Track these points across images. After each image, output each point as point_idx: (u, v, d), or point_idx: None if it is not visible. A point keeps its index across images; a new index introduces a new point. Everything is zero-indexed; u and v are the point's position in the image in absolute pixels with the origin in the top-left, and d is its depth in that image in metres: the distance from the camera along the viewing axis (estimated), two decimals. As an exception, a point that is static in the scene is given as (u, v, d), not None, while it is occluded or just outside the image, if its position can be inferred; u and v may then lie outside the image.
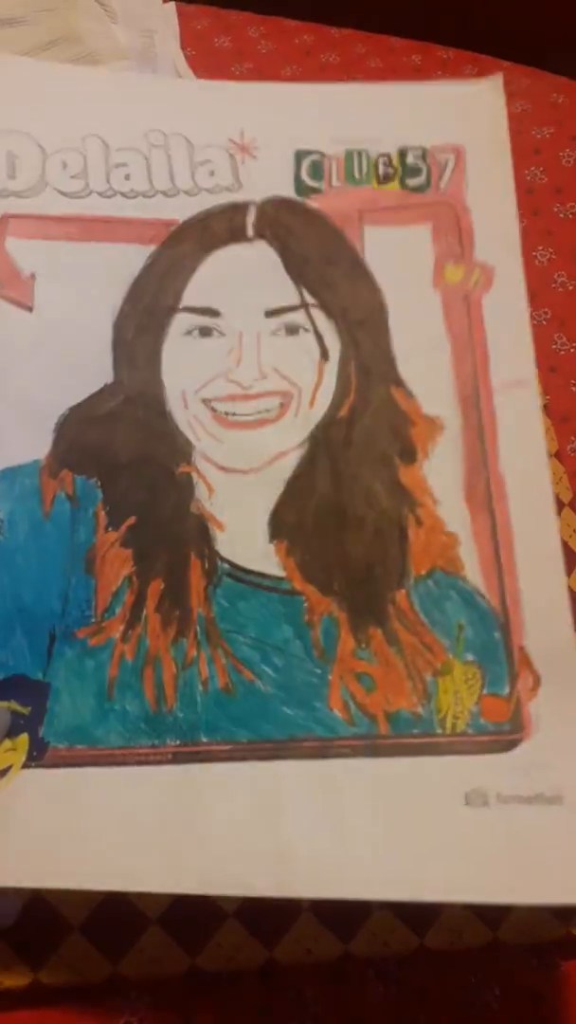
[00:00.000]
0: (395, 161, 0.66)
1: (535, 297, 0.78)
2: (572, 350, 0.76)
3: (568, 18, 1.02)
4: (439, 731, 0.49)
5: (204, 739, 0.50)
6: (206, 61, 0.92)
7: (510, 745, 0.49)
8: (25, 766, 0.50)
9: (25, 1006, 0.51)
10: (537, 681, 0.50)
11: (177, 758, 0.50)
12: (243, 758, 0.50)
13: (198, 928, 0.51)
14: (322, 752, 0.49)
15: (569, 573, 0.57)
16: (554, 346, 0.76)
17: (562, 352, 0.76)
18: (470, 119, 0.68)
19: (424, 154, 0.66)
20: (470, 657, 0.51)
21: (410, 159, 0.66)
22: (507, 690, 0.50)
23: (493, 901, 0.47)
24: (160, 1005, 0.51)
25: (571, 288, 0.80)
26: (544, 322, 0.77)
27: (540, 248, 0.81)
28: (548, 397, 0.72)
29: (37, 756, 0.51)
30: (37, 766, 0.50)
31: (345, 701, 0.51)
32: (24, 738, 0.51)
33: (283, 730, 0.50)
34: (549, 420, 0.69)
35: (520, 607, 0.52)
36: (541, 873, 0.46)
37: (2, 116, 0.65)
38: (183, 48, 0.91)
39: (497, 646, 0.51)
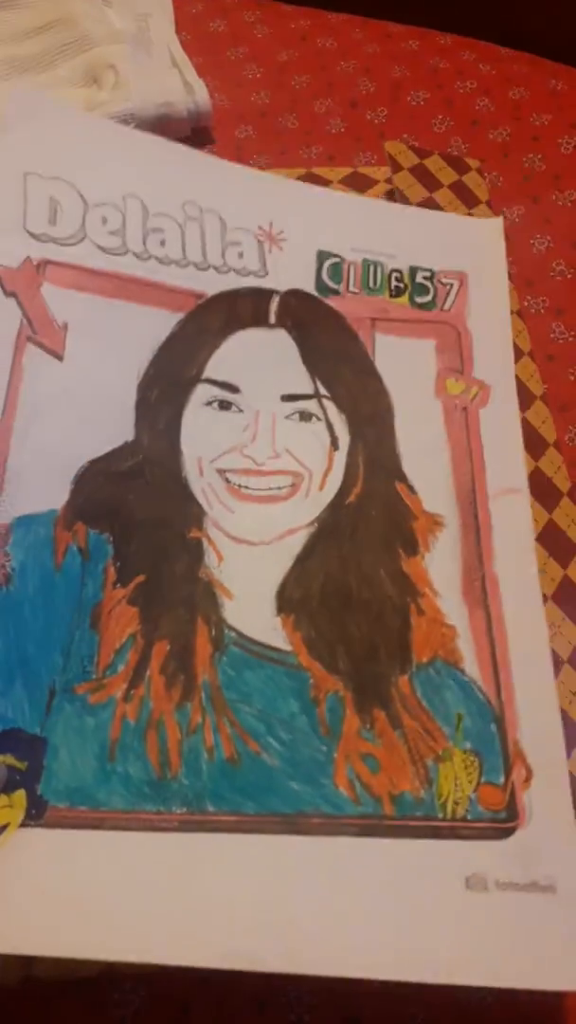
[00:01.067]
0: (406, 278, 0.71)
1: (533, 285, 0.78)
2: (570, 338, 0.75)
3: (567, 4, 0.98)
4: (440, 815, 0.51)
5: (211, 808, 0.50)
6: (201, 45, 0.92)
7: (506, 833, 0.50)
8: (24, 825, 0.48)
9: (18, 1001, 0.49)
10: (529, 773, 0.52)
11: (183, 826, 0.49)
12: (251, 831, 0.50)
13: (176, 965, 0.49)
14: (329, 829, 0.50)
15: (567, 563, 0.62)
16: (552, 335, 0.75)
17: (560, 341, 0.75)
18: (473, 251, 0.73)
19: (432, 276, 0.71)
20: (469, 746, 0.53)
21: (419, 278, 0.71)
22: (503, 780, 0.52)
23: (493, 985, 0.47)
24: (156, 999, 0.49)
25: (569, 276, 0.79)
26: (542, 311, 0.77)
27: (538, 236, 0.81)
28: (546, 386, 0.71)
29: (36, 815, 0.49)
30: (36, 825, 0.49)
31: (351, 780, 0.51)
32: (21, 794, 0.49)
33: (291, 805, 0.50)
34: (548, 409, 0.69)
35: (514, 702, 0.54)
36: (538, 961, 0.47)
37: (49, 163, 0.65)
38: (178, 32, 0.89)
39: (493, 737, 0.53)
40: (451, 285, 0.71)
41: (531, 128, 0.88)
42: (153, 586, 0.56)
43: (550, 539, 0.63)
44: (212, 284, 0.66)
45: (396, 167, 0.79)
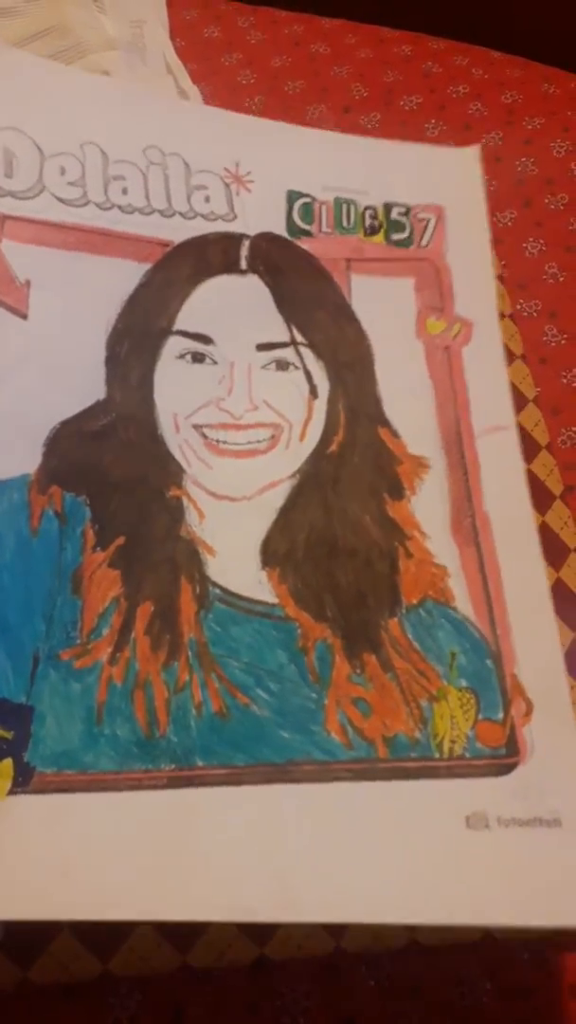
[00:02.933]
0: (380, 215, 0.67)
1: (525, 288, 0.75)
2: (563, 342, 0.73)
3: (561, 8, 0.98)
4: (437, 755, 0.48)
5: (200, 763, 0.48)
6: (196, 51, 0.90)
7: (507, 769, 0.48)
8: (11, 792, 0.46)
9: (14, 1005, 0.48)
10: (530, 707, 0.50)
11: (172, 782, 0.47)
12: (240, 782, 0.47)
13: (188, 925, 0.48)
14: (322, 776, 0.48)
15: (560, 565, 0.59)
16: (544, 338, 0.73)
17: (553, 344, 0.73)
18: (450, 183, 0.70)
19: (407, 211, 0.68)
20: (464, 683, 0.51)
21: (394, 215, 0.68)
22: (501, 715, 0.50)
23: (496, 923, 0.46)
24: (150, 1002, 0.48)
25: (562, 279, 0.76)
26: (535, 314, 0.74)
27: (531, 239, 0.78)
28: (539, 389, 0.69)
29: (23, 782, 0.47)
30: (23, 792, 0.46)
31: (343, 725, 0.49)
32: (8, 764, 0.47)
33: (281, 754, 0.48)
34: (540, 412, 0.67)
35: (510, 637, 0.52)
36: (543, 896, 0.45)
37: (1, 112, 0.61)
38: (172, 38, 0.88)
39: (490, 673, 0.51)
40: (428, 220, 0.67)
41: (524, 132, 0.86)
42: (134, 547, 0.53)
43: (543, 542, 0.58)
44: (179, 231, 0.62)
45: None
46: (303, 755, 0.48)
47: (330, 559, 0.54)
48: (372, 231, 0.66)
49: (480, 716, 0.49)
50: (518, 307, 0.74)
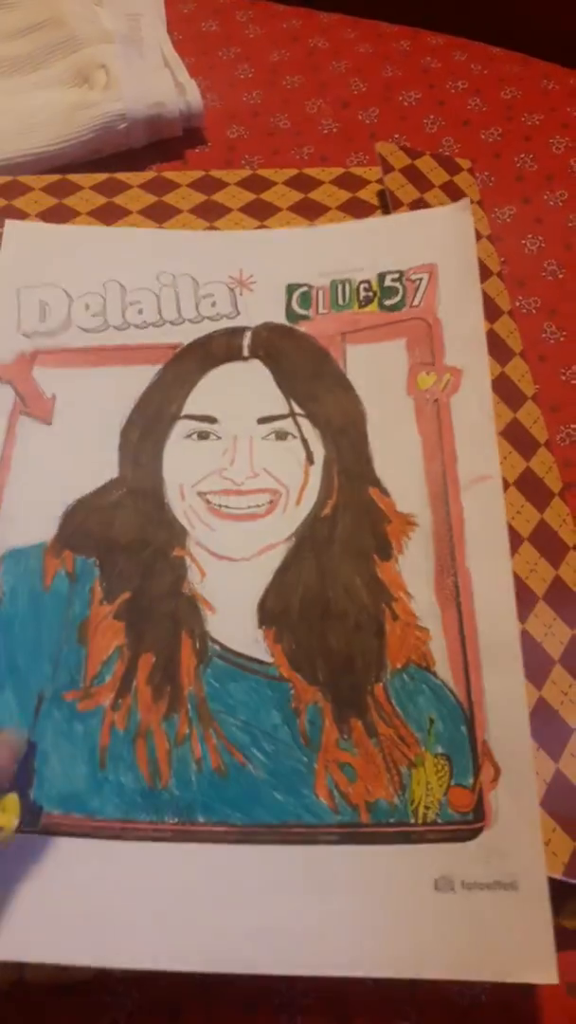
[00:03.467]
0: (374, 286, 0.69)
1: (524, 285, 0.74)
2: (562, 339, 0.71)
3: (559, 5, 0.95)
4: (412, 820, 0.49)
5: (201, 819, 0.50)
6: (193, 45, 0.89)
7: (473, 834, 0.49)
8: (19, 831, 0.48)
9: (10, 1004, 0.48)
10: (497, 772, 0.50)
11: (176, 836, 0.49)
12: (239, 841, 0.49)
13: (166, 971, 0.47)
14: (310, 838, 0.49)
15: (560, 561, 0.59)
16: (544, 335, 0.71)
17: (552, 341, 0.71)
18: (442, 239, 0.71)
19: (400, 276, 0.69)
20: (440, 749, 0.51)
21: (387, 282, 0.69)
22: (471, 781, 0.50)
23: (461, 978, 0.47)
24: (147, 1002, 0.48)
25: (561, 276, 0.74)
26: (534, 311, 0.72)
27: (529, 236, 0.76)
28: (538, 386, 0.67)
29: (31, 821, 0.49)
30: (33, 831, 0.49)
31: (330, 790, 0.50)
32: (13, 798, 0.48)
33: (275, 815, 0.50)
34: (539, 409, 0.65)
35: (483, 702, 0.52)
36: (500, 954, 0.46)
37: (39, 274, 0.70)
38: (169, 32, 0.86)
39: (464, 739, 0.51)
40: (420, 280, 0.68)
41: (523, 128, 0.84)
42: (138, 602, 0.56)
43: (542, 540, 0.60)
44: (187, 334, 0.67)
45: (387, 168, 0.76)
46: (294, 818, 0.49)
47: (323, 621, 0.55)
48: (367, 302, 0.68)
49: (452, 782, 0.49)
50: (517, 304, 0.72)
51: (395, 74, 0.89)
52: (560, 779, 0.51)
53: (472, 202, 0.74)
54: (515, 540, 0.59)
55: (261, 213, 0.76)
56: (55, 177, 0.77)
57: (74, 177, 0.77)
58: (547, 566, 0.59)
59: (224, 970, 0.46)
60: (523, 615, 0.56)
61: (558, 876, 0.48)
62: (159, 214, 0.75)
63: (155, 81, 0.80)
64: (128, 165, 0.80)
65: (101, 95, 0.78)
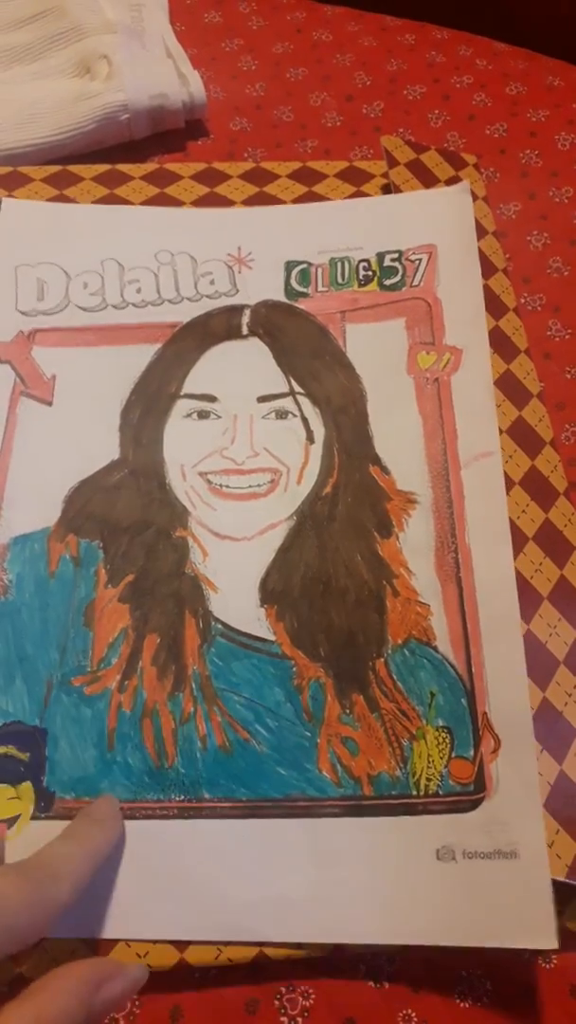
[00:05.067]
0: (374, 265, 0.69)
1: (529, 282, 0.73)
2: (567, 336, 0.71)
3: (564, 0, 0.94)
4: (414, 792, 0.50)
5: (207, 795, 0.50)
6: (196, 36, 0.88)
7: (474, 804, 0.49)
8: (34, 817, 0.50)
9: (7, 1002, 0.46)
10: (497, 744, 0.51)
11: (182, 813, 0.50)
12: (244, 815, 0.50)
13: (180, 940, 0.48)
14: (313, 811, 0.50)
15: (565, 561, 0.59)
16: (549, 332, 0.71)
17: (557, 339, 0.70)
18: (441, 220, 0.71)
19: (400, 256, 0.69)
20: (441, 722, 0.52)
21: (387, 262, 0.69)
22: (472, 753, 0.51)
23: (460, 944, 0.47)
24: (147, 1001, 0.48)
25: (567, 274, 0.74)
26: (539, 308, 0.72)
27: (535, 232, 0.76)
28: (543, 384, 0.67)
29: (45, 807, 0.50)
30: (46, 817, 0.50)
31: (333, 764, 0.51)
32: (28, 786, 0.51)
33: (279, 789, 0.50)
34: (544, 407, 0.65)
35: (484, 675, 0.53)
36: (501, 921, 0.47)
37: (36, 252, 0.70)
38: (172, 23, 0.86)
39: (464, 712, 0.52)
40: (420, 260, 0.69)
41: (528, 124, 0.83)
42: (142, 583, 0.57)
43: (546, 539, 0.59)
44: (186, 313, 0.68)
45: (392, 162, 0.74)
46: (298, 791, 0.50)
47: (324, 598, 0.56)
48: (366, 281, 0.68)
49: (453, 754, 0.50)
50: (522, 300, 0.71)
51: (400, 68, 0.88)
52: (563, 781, 0.51)
53: (477, 198, 0.74)
54: (520, 539, 0.59)
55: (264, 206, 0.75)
56: (56, 168, 0.77)
57: (75, 168, 0.77)
58: (552, 566, 0.59)
59: (230, 938, 0.47)
60: (527, 615, 0.56)
61: (562, 879, 0.48)
62: (161, 206, 0.75)
63: (158, 72, 0.80)
64: (130, 157, 0.79)
65: (103, 86, 0.78)
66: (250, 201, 0.75)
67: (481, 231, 0.72)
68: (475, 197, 0.74)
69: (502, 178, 0.80)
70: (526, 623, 0.55)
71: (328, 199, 0.75)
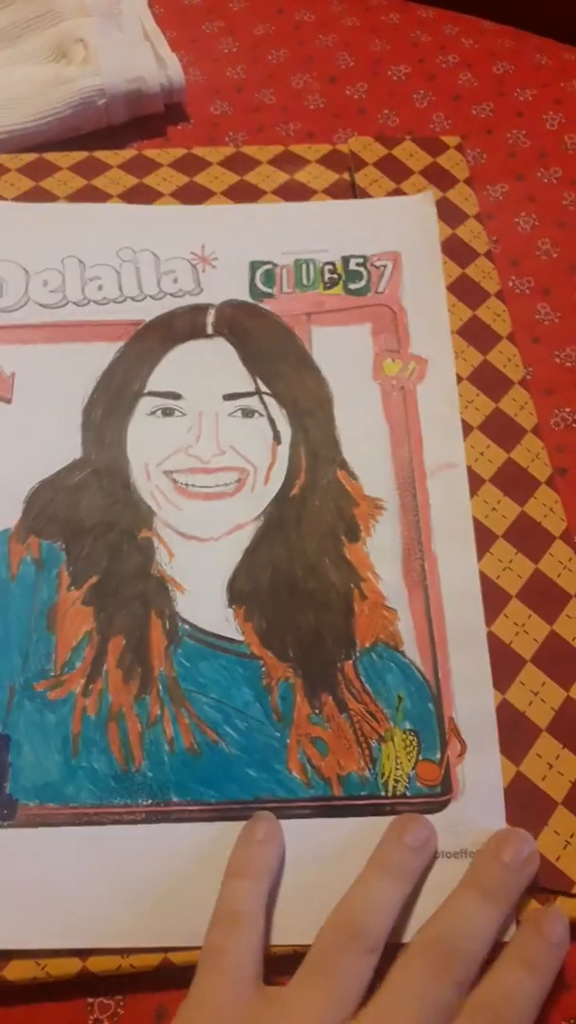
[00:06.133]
0: (339, 268, 0.70)
1: (518, 265, 0.72)
2: (556, 320, 0.70)
3: None
4: (383, 793, 0.51)
5: (175, 799, 0.50)
6: (174, 19, 0.86)
7: (441, 806, 0.51)
8: None
9: None
10: (463, 748, 0.52)
11: (150, 818, 0.50)
12: (213, 819, 0.50)
13: (152, 947, 0.47)
14: (283, 813, 0.50)
15: (540, 555, 0.59)
16: (537, 316, 0.70)
17: (546, 322, 0.70)
18: (406, 229, 0.72)
19: (365, 261, 0.70)
20: (408, 725, 0.53)
21: (352, 266, 0.70)
22: (439, 756, 0.52)
23: None
24: (132, 1001, 0.47)
25: (555, 256, 0.73)
26: (527, 291, 0.71)
27: (523, 214, 0.75)
28: (531, 369, 0.66)
29: (8, 815, 0.50)
30: (9, 826, 0.49)
31: (303, 764, 0.51)
32: None
33: (248, 791, 0.51)
34: (528, 393, 0.65)
35: (450, 681, 0.54)
36: None
37: None
38: (151, 5, 0.83)
39: (431, 716, 0.53)
40: (384, 267, 0.69)
41: (515, 104, 0.83)
42: (106, 585, 0.56)
43: (519, 534, 0.60)
44: (150, 311, 0.67)
45: (359, 164, 0.74)
46: (268, 793, 0.50)
47: (292, 599, 0.56)
48: (331, 284, 0.68)
49: (420, 756, 0.51)
50: (510, 284, 0.71)
51: (384, 48, 0.87)
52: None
53: (460, 180, 0.74)
54: (487, 539, 0.59)
55: (245, 197, 0.74)
56: (32, 156, 0.74)
57: (51, 156, 0.74)
58: (524, 561, 0.59)
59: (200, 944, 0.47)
60: (490, 617, 0.57)
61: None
62: (139, 199, 0.73)
63: (135, 55, 0.77)
64: (108, 143, 0.77)
65: (79, 70, 0.75)
66: (231, 191, 0.74)
67: (461, 216, 0.72)
68: (456, 180, 0.74)
69: (489, 159, 0.79)
70: (488, 625, 0.56)
71: (311, 189, 0.75)
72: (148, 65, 0.77)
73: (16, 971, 0.46)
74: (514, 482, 0.62)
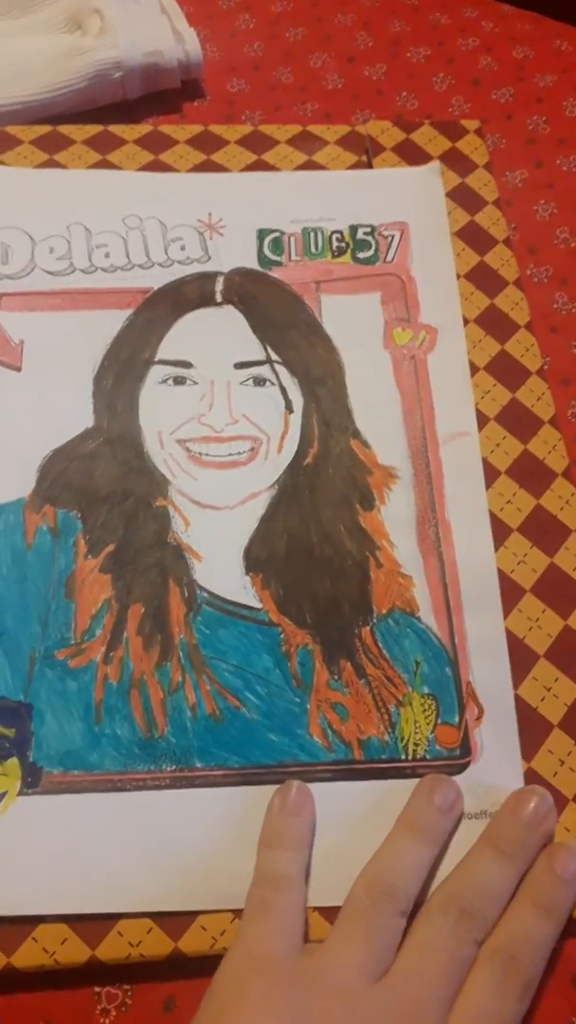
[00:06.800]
0: (347, 237, 0.69)
1: (535, 253, 0.71)
2: (574, 309, 0.69)
3: None
4: (403, 756, 0.52)
5: (199, 764, 0.51)
6: None
7: (461, 768, 0.52)
8: (21, 793, 0.50)
9: None
10: (481, 712, 0.53)
11: (174, 783, 0.51)
12: (237, 783, 0.51)
13: (180, 911, 0.48)
14: (306, 777, 0.51)
15: (556, 548, 0.60)
16: (555, 306, 0.69)
17: (563, 312, 0.69)
18: (413, 200, 0.71)
19: (373, 231, 0.69)
20: (426, 690, 0.53)
21: (360, 235, 0.69)
22: (457, 719, 0.53)
23: None
24: (140, 991, 0.47)
25: (574, 245, 0.72)
26: (545, 280, 0.70)
27: (541, 202, 0.74)
28: (548, 359, 0.66)
29: (32, 783, 0.50)
30: (33, 793, 0.50)
31: (323, 729, 0.52)
32: (14, 763, 0.50)
33: (271, 756, 0.51)
34: (546, 384, 0.64)
35: (466, 646, 0.55)
36: None
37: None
38: None
39: (448, 680, 0.54)
40: (392, 236, 0.69)
41: (535, 89, 0.81)
42: (123, 553, 0.56)
43: (535, 527, 0.61)
44: (158, 278, 0.66)
45: (377, 149, 0.73)
46: (290, 757, 0.51)
47: (308, 567, 0.56)
48: (339, 252, 0.68)
49: (439, 720, 0.52)
50: (527, 273, 0.70)
51: (403, 29, 0.85)
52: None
53: (479, 166, 0.72)
54: (502, 532, 0.59)
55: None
56: (45, 128, 0.72)
57: (65, 129, 0.72)
58: (539, 555, 0.59)
59: (230, 907, 0.48)
60: (505, 611, 0.57)
61: None
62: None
63: (152, 28, 0.76)
64: (123, 117, 0.75)
65: (95, 41, 0.73)
66: (248, 170, 0.73)
67: (480, 202, 0.71)
68: (475, 165, 0.73)
69: (508, 145, 0.78)
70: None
71: (328, 171, 0.74)
72: (166, 39, 0.75)
73: (24, 959, 0.46)
74: (530, 473, 0.61)
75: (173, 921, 0.48)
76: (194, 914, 0.48)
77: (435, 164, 0.71)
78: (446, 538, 0.58)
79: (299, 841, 0.48)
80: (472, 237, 0.70)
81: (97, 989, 0.47)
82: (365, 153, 0.74)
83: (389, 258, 0.68)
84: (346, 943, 0.44)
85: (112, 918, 0.48)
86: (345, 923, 0.45)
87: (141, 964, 0.47)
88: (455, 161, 0.73)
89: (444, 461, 0.60)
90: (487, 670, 0.54)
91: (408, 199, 0.70)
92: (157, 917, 0.48)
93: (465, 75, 0.82)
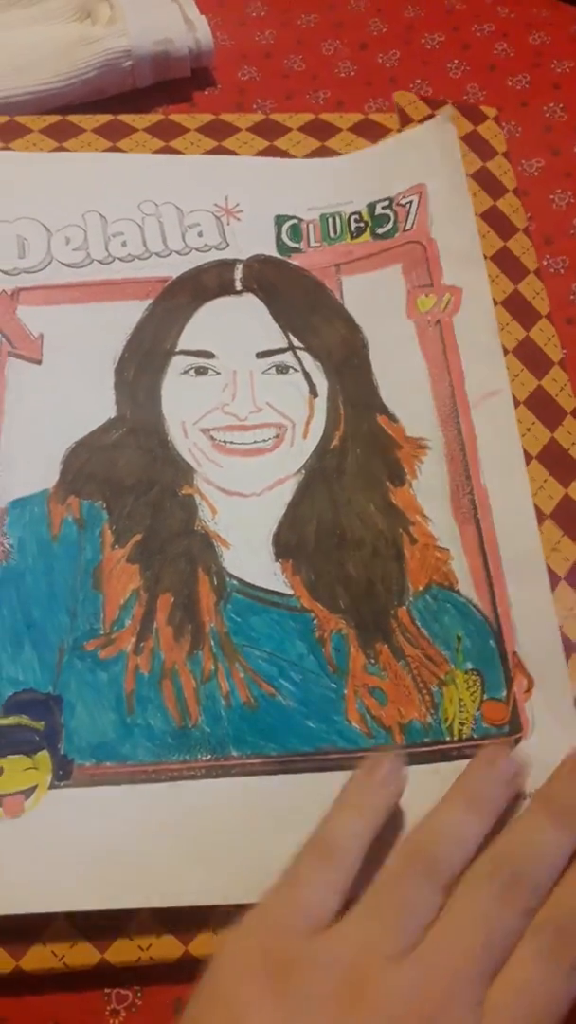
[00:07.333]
0: (365, 216, 0.68)
1: (551, 243, 0.70)
2: None
3: None
4: (448, 738, 0.49)
5: (234, 753, 0.49)
6: None
7: (512, 745, 0.49)
8: (52, 786, 0.49)
9: (5, 995, 0.46)
10: (530, 683, 0.50)
11: (209, 773, 0.49)
12: (274, 771, 0.49)
13: (191, 914, 0.46)
14: (345, 764, 0.48)
15: (571, 481, 0.58)
16: (572, 296, 0.68)
17: None
18: (428, 158, 0.69)
19: (391, 203, 0.68)
20: (470, 666, 0.51)
21: (378, 211, 0.68)
22: (504, 694, 0.50)
23: None
24: (150, 993, 0.47)
25: None
26: (562, 270, 0.68)
27: (558, 191, 0.73)
28: (565, 351, 0.64)
29: (63, 775, 0.49)
30: (65, 786, 0.49)
31: (362, 714, 0.50)
32: (45, 755, 0.49)
33: (309, 743, 0.49)
34: (566, 375, 0.63)
35: (510, 615, 0.52)
36: None
37: (13, 206, 0.67)
38: None
39: (493, 654, 0.51)
40: (410, 203, 0.67)
41: (552, 75, 0.79)
42: (151, 543, 0.55)
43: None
44: (176, 267, 0.66)
45: (405, 119, 0.71)
46: (329, 744, 0.49)
47: (339, 550, 0.54)
48: (359, 233, 0.67)
49: (485, 696, 0.50)
50: (544, 263, 0.68)
51: (417, 15, 0.83)
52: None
53: (499, 153, 0.71)
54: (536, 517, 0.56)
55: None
56: (55, 118, 0.72)
57: (75, 118, 0.72)
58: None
59: None
60: None
61: None
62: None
63: (162, 16, 0.75)
64: (133, 107, 0.75)
65: (104, 30, 0.73)
66: (261, 156, 0.72)
67: (501, 189, 0.69)
68: (495, 152, 0.71)
69: (524, 133, 0.76)
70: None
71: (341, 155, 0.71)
72: (176, 26, 0.75)
73: (33, 961, 0.45)
74: (559, 463, 0.60)
75: (182, 925, 0.46)
76: (204, 918, 0.47)
77: (447, 108, 0.70)
78: (483, 505, 0.56)
79: (375, 809, 0.44)
80: (495, 222, 0.68)
81: (107, 991, 0.47)
82: (398, 120, 0.73)
83: (408, 226, 0.66)
84: (364, 920, 0.40)
85: (133, 916, 0.47)
86: (372, 895, 0.41)
87: (151, 966, 0.46)
88: (477, 145, 0.72)
89: (476, 424, 0.58)
90: (535, 639, 0.51)
91: (422, 159, 0.69)
92: (168, 921, 0.46)
93: (480, 61, 0.81)
